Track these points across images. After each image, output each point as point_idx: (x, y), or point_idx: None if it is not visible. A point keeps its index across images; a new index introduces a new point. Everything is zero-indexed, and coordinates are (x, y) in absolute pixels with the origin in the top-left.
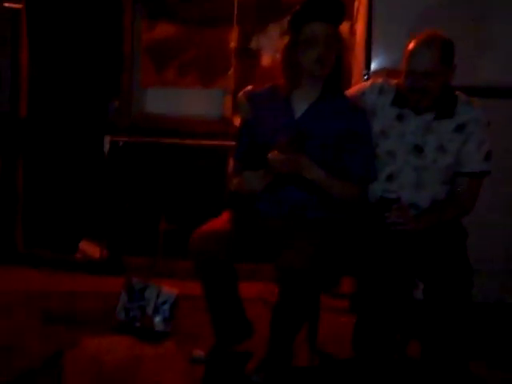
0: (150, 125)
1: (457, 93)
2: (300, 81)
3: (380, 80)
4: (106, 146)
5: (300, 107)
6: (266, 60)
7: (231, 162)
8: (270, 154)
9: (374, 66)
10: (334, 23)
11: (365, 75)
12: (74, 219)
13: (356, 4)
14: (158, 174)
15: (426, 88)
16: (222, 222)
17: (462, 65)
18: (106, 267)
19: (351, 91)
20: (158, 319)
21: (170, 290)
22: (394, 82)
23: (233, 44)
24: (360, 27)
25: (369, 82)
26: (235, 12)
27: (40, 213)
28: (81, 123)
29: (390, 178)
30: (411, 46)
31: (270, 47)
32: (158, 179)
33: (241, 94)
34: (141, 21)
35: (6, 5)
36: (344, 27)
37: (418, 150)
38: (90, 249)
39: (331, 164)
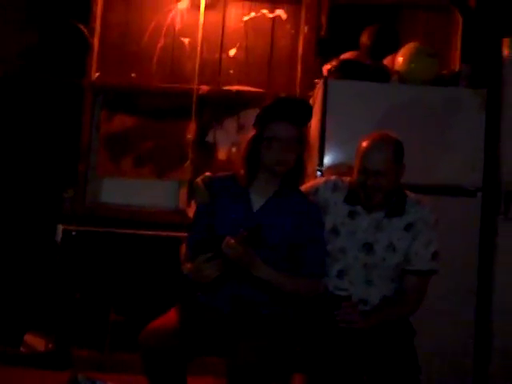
0: (105, 214)
1: (407, 192)
2: (259, 174)
3: (333, 177)
4: (59, 235)
5: (258, 200)
6: (221, 153)
7: (183, 249)
8: (226, 239)
9: (326, 161)
10: (299, 125)
11: (318, 171)
12: (19, 310)
13: (311, 101)
14: (110, 264)
15: (377, 186)
16: (171, 317)
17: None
18: (51, 361)
19: (305, 187)
20: None
21: None
22: (347, 179)
23: (190, 137)
24: (314, 124)
25: (323, 179)
26: (193, 105)
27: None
28: (34, 211)
29: (340, 274)
30: (364, 145)
31: (226, 141)
32: (110, 270)
33: (199, 179)
34: (100, 112)
35: None
36: None
37: (369, 247)
38: (36, 341)
39: (285, 259)
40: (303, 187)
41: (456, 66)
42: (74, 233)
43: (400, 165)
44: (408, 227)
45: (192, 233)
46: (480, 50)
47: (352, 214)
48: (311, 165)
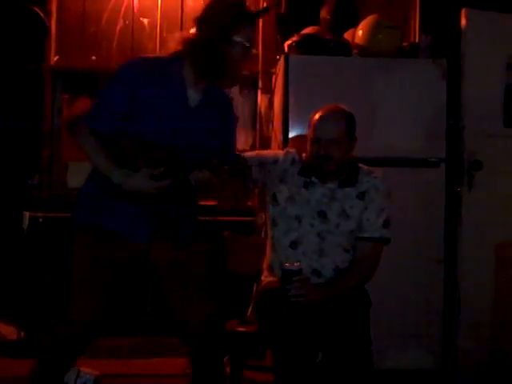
0: (72, 200)
1: (360, 164)
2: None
3: (293, 150)
4: (25, 222)
5: (193, 96)
6: None
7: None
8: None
9: (290, 136)
10: None
11: (282, 143)
12: None
13: (273, 79)
14: None
15: (329, 155)
16: None
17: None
18: (23, 349)
19: (266, 153)
20: None
21: (89, 371)
22: (303, 154)
23: None
24: (277, 100)
25: (284, 151)
26: None
27: None
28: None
29: (293, 244)
30: (317, 115)
31: None
32: None
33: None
34: (61, 96)
35: None
36: (264, 100)
37: (323, 215)
38: (6, 330)
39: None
40: (262, 152)
41: (415, 37)
42: (40, 219)
43: (352, 137)
44: (360, 195)
45: (101, 115)
46: (439, 20)
47: (307, 185)
48: (276, 139)
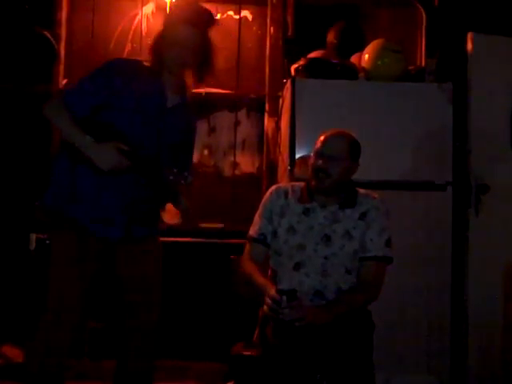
0: None
1: (357, 188)
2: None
3: (283, 185)
4: (32, 244)
5: (170, 97)
6: (194, 156)
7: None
8: None
9: (297, 157)
10: (199, 28)
11: (289, 165)
12: None
13: (280, 102)
14: None
15: (328, 171)
16: None
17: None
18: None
19: (261, 210)
20: None
21: None
22: (301, 184)
23: None
24: (284, 123)
25: (270, 191)
26: None
27: None
28: (6, 221)
29: (296, 266)
30: (322, 136)
31: (197, 143)
32: None
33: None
34: None
35: None
36: (270, 123)
37: (326, 239)
38: (13, 353)
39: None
40: (259, 211)
41: (421, 61)
42: (47, 241)
43: (354, 161)
44: (362, 216)
45: (78, 95)
46: (444, 44)
47: (307, 212)
48: (283, 161)
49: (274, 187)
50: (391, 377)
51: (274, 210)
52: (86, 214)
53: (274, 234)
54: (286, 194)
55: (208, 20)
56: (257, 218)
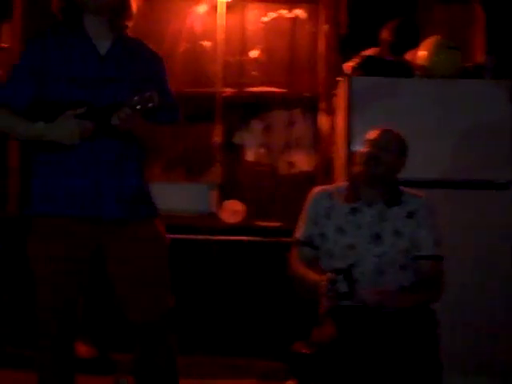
0: None
1: (400, 187)
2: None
3: (326, 187)
4: None
5: (102, 44)
6: (249, 155)
7: None
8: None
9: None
10: None
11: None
12: None
13: (334, 100)
14: None
15: (379, 157)
16: None
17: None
18: (94, 366)
19: (304, 215)
20: None
21: None
22: (345, 184)
23: (217, 139)
24: (339, 121)
25: (313, 194)
26: (218, 109)
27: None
28: None
29: (351, 266)
30: (373, 131)
31: (253, 142)
32: None
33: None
34: None
35: None
36: (325, 121)
37: (377, 237)
38: (78, 347)
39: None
40: (303, 216)
41: (478, 58)
42: None
43: (402, 156)
44: (410, 214)
45: (9, 87)
46: (504, 41)
47: (353, 211)
48: (339, 160)
49: (316, 189)
50: (452, 379)
51: (319, 212)
52: (67, 201)
53: (322, 236)
54: (330, 195)
55: None
56: (301, 221)
